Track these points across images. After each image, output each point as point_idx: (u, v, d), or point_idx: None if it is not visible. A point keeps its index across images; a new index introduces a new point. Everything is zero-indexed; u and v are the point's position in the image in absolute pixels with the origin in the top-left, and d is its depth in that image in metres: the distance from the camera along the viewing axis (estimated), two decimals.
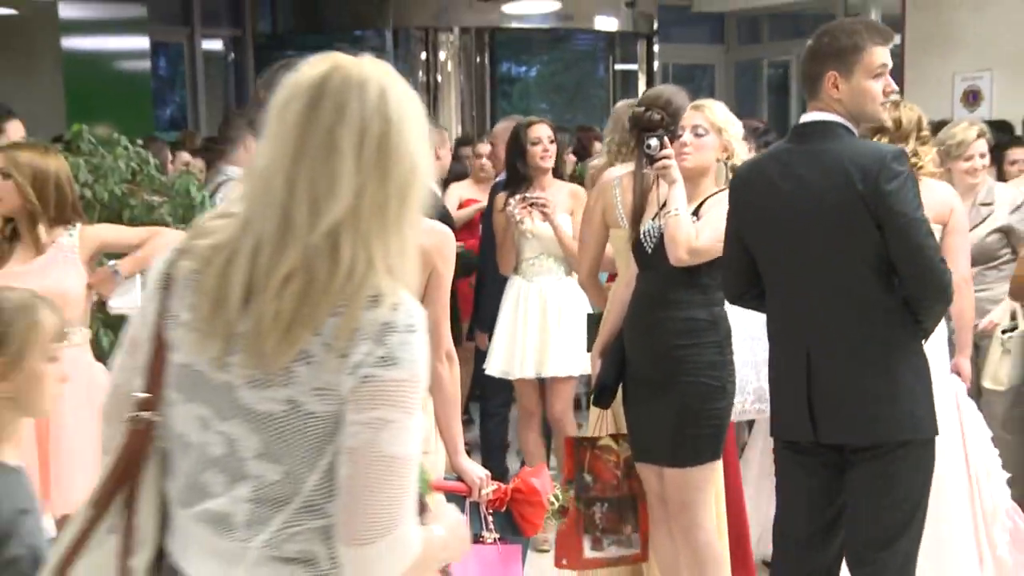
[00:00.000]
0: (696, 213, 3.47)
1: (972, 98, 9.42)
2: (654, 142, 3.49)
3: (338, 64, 1.63)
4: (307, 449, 1.59)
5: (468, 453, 2.97)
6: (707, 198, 3.51)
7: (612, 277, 4.46)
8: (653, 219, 3.54)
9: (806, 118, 3.03)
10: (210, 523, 1.63)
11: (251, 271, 1.59)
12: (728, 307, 3.47)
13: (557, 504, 3.58)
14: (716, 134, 3.52)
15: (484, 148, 6.32)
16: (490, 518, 2.88)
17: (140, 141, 4.68)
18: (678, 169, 3.47)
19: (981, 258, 4.73)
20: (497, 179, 5.59)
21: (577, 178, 5.75)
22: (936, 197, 3.71)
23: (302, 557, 1.61)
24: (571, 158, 6.74)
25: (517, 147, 4.98)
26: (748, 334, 3.64)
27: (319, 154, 1.58)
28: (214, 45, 10.49)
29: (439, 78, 9.75)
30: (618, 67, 11.36)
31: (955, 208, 3.84)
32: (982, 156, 4.82)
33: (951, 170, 4.77)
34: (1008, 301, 4.55)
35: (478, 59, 10.07)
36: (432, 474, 2.86)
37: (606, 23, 10.70)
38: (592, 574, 3.91)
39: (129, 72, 8.00)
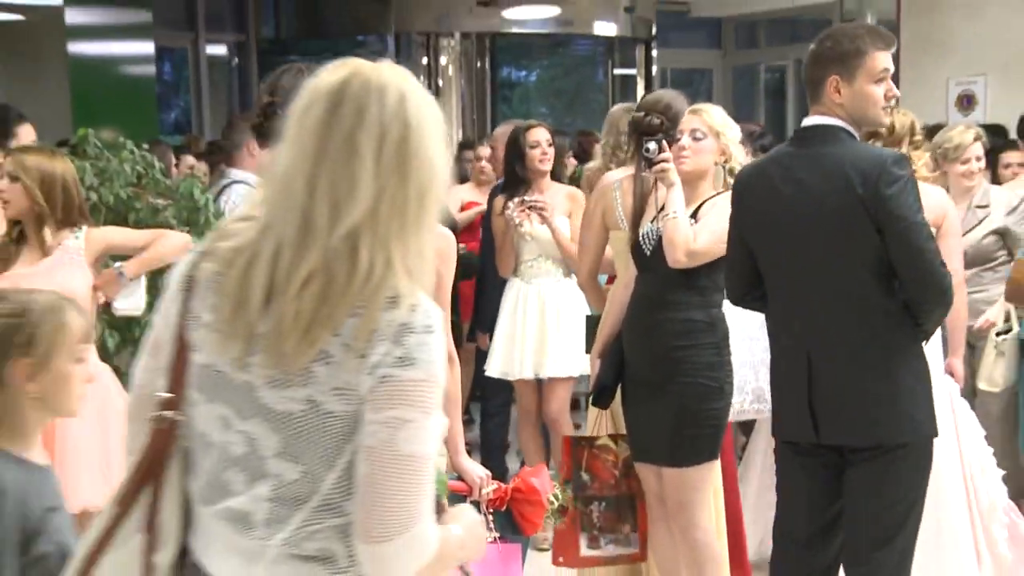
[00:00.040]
0: (694, 216, 3.48)
1: (966, 102, 9.43)
2: (653, 146, 3.51)
3: (357, 70, 1.65)
4: (326, 448, 1.60)
5: (468, 453, 2.96)
6: (705, 201, 3.52)
7: (612, 279, 4.47)
8: (652, 222, 3.56)
9: (808, 122, 3.03)
10: (231, 521, 1.65)
11: (272, 273, 1.60)
12: (726, 308, 3.49)
13: (557, 503, 3.59)
14: (714, 138, 3.53)
15: (485, 151, 6.34)
16: (490, 517, 2.87)
17: (145, 145, 4.70)
18: (676, 172, 3.49)
19: (978, 260, 4.75)
20: (497, 182, 5.62)
21: (576, 181, 5.79)
22: (930, 201, 3.71)
23: (321, 555, 1.62)
24: (572, 161, 6.75)
25: (516, 150, 5.00)
26: (746, 334, 3.66)
27: (339, 158, 1.60)
28: (218, 50, 10.44)
29: (440, 82, 9.75)
30: (617, 72, 11.32)
31: (948, 212, 3.86)
32: (978, 159, 4.84)
33: (947, 173, 4.80)
34: (1003, 302, 4.58)
35: (479, 64, 10.09)
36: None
37: (605, 28, 10.71)
38: (591, 573, 3.93)
39: (134, 77, 7.98)
